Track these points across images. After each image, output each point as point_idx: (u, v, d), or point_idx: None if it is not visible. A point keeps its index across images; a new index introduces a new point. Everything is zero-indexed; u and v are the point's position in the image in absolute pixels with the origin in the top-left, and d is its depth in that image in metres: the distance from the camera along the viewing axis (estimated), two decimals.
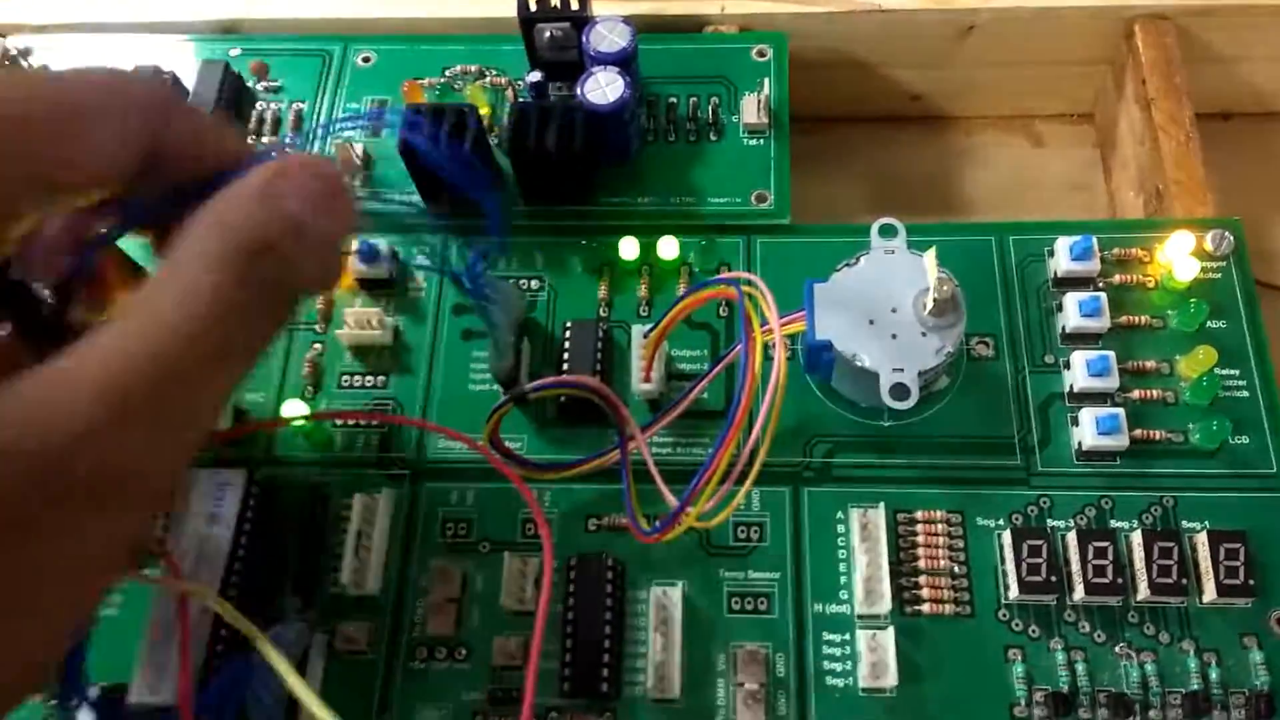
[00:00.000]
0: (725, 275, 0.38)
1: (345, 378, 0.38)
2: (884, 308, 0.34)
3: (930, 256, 0.33)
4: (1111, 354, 0.35)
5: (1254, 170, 0.49)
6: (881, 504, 0.34)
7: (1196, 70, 0.45)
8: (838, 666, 0.33)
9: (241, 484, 0.35)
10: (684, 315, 0.35)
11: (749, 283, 0.33)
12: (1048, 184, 0.49)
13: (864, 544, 0.34)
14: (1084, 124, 0.50)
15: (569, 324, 0.37)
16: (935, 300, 0.32)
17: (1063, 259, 0.37)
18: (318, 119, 0.43)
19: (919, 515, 0.34)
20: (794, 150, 0.42)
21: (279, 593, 0.34)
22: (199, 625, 0.32)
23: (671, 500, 0.31)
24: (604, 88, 0.38)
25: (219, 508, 0.35)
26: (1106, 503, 0.34)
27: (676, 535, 0.31)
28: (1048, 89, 0.49)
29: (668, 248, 0.38)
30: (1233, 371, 0.36)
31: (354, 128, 0.41)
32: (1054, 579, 0.32)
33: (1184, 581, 0.32)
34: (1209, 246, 0.37)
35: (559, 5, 0.40)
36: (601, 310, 0.39)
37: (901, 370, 0.33)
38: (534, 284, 0.39)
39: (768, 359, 0.37)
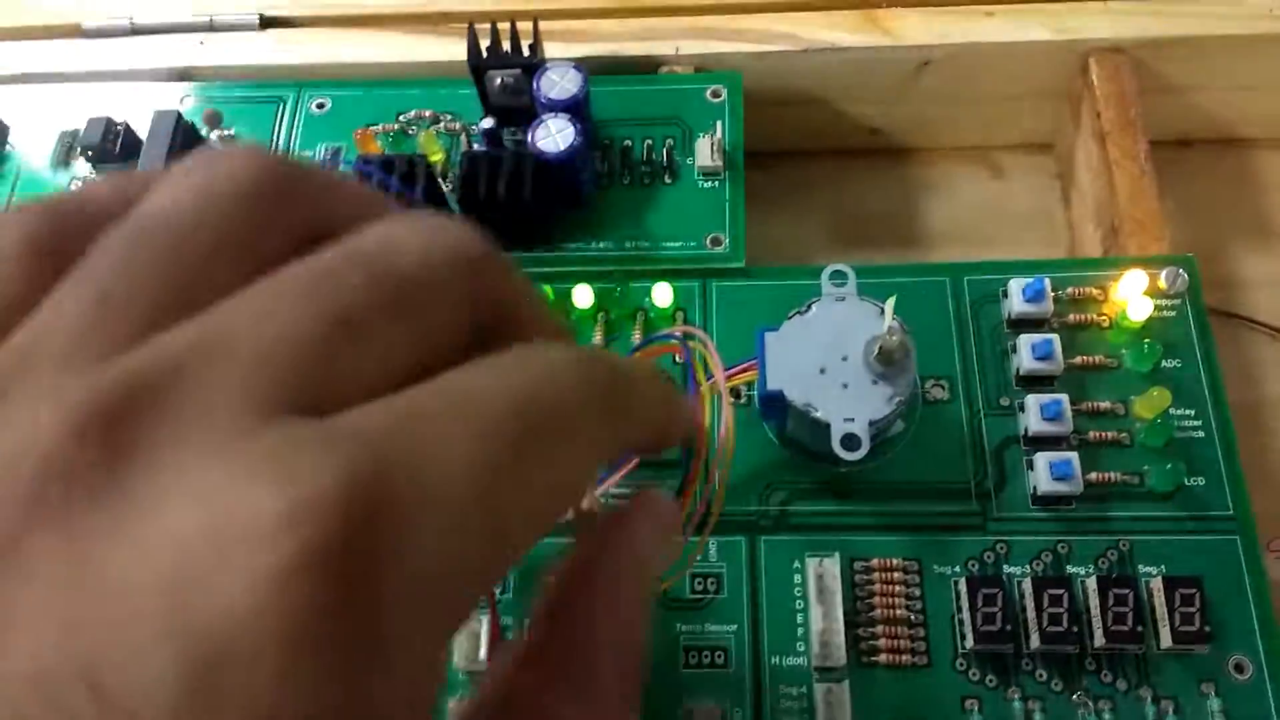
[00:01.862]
0: (670, 331, 0.37)
1: None
2: (835, 356, 0.33)
3: (889, 305, 0.32)
4: (1065, 397, 0.35)
5: (1215, 198, 0.49)
6: (837, 553, 0.34)
7: (1155, 100, 0.45)
8: None
9: None
10: None
11: (695, 338, 0.32)
12: (1009, 215, 0.49)
13: (819, 595, 0.33)
14: (1044, 154, 0.50)
15: None
16: (881, 348, 0.32)
17: (1016, 300, 0.37)
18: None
19: (875, 563, 0.34)
20: (753, 186, 0.42)
21: None
22: None
23: None
24: (555, 135, 0.38)
25: None
26: (1063, 548, 0.34)
27: None
28: (1007, 121, 0.49)
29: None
30: (1188, 412, 0.36)
31: None
32: (1009, 628, 0.32)
33: (1139, 628, 0.32)
34: (1163, 284, 0.37)
35: (510, 51, 0.40)
36: None
37: (852, 420, 0.32)
38: None
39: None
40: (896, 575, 0.34)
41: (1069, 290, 0.38)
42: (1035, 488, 0.35)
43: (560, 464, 0.14)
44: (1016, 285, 0.37)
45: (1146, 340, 0.36)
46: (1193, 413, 0.36)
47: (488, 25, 0.40)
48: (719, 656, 0.33)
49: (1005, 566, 0.34)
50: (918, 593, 0.34)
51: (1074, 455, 0.34)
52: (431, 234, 0.15)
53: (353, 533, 0.11)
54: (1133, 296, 0.37)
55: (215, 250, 0.14)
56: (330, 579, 0.11)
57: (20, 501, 0.11)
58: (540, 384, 0.14)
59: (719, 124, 0.42)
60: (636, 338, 0.38)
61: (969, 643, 0.33)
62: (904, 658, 0.33)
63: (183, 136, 0.42)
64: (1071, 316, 0.37)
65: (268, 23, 0.46)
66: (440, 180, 0.41)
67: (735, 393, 0.37)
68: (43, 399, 0.12)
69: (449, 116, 0.43)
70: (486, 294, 0.16)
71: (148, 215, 0.14)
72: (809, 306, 0.35)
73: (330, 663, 0.11)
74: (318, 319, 0.13)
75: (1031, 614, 0.33)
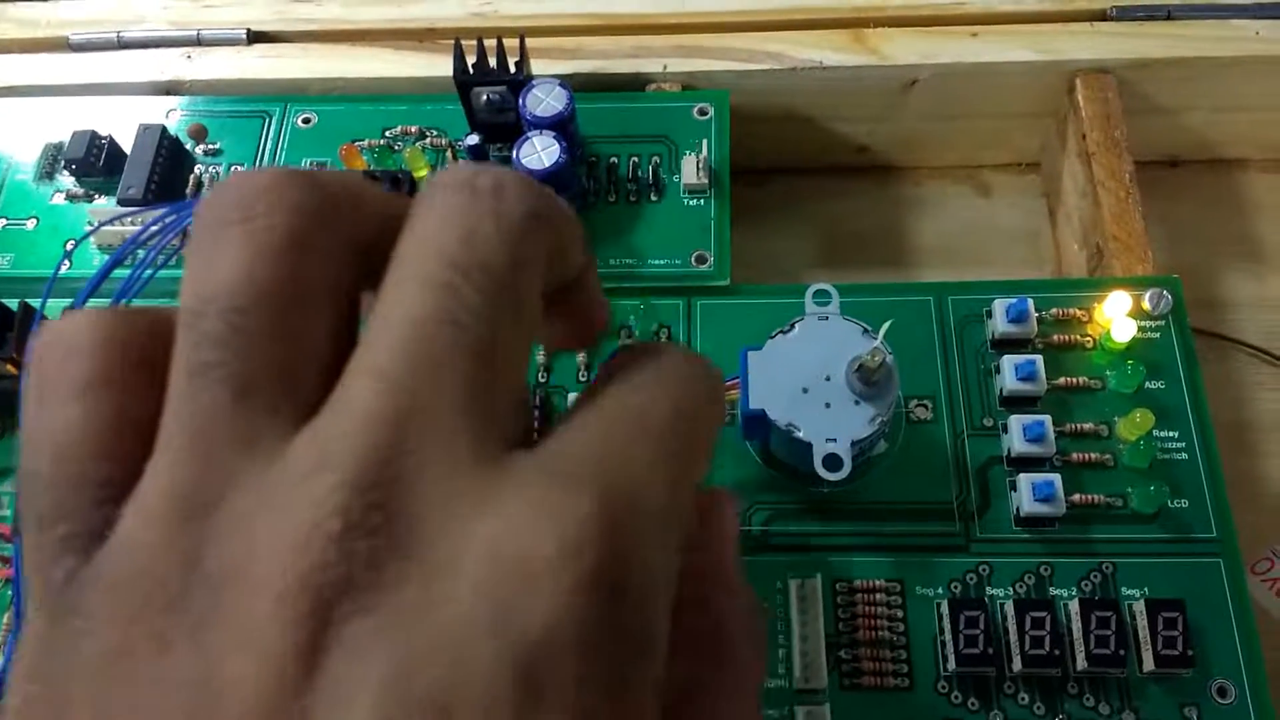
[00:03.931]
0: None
1: None
2: (818, 376, 0.33)
3: (884, 329, 0.32)
4: (1048, 418, 0.35)
5: (1202, 218, 0.49)
6: (819, 574, 0.34)
7: (1142, 120, 0.45)
8: None
9: None
10: None
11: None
12: (996, 234, 0.49)
13: (801, 616, 0.33)
14: (1032, 173, 0.50)
15: None
16: (861, 367, 0.32)
17: (1000, 320, 0.37)
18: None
19: (858, 584, 0.34)
20: (741, 202, 0.42)
21: None
22: None
23: None
24: (540, 152, 0.38)
25: None
26: (1046, 569, 0.34)
27: None
28: (994, 140, 0.49)
29: None
30: (1171, 433, 0.36)
31: None
32: (991, 650, 0.32)
33: (1122, 652, 0.32)
34: (1147, 305, 0.37)
35: (496, 68, 0.40)
36: (540, 375, 0.38)
37: (834, 440, 0.32)
38: None
39: None
40: (879, 596, 0.34)
41: (1053, 311, 0.38)
42: (1018, 509, 0.35)
43: (704, 454, 0.17)
44: (1000, 305, 0.37)
45: (1130, 361, 0.36)
46: (1176, 434, 0.36)
47: (474, 41, 0.40)
48: None
49: (988, 588, 0.34)
50: (900, 614, 0.34)
51: (1057, 477, 0.34)
52: (506, 205, 0.16)
53: (612, 553, 0.14)
54: (1116, 317, 0.37)
55: (284, 311, 0.15)
56: (606, 591, 0.13)
57: (318, 593, 0.13)
58: (685, 396, 0.17)
59: (705, 142, 0.42)
60: None
61: (951, 665, 0.32)
62: (886, 680, 0.33)
63: (168, 151, 0.42)
64: (1055, 337, 0.37)
65: (255, 37, 0.47)
66: None
67: None
68: (294, 506, 0.13)
69: (435, 132, 0.43)
70: (556, 253, 0.17)
71: (221, 285, 0.15)
72: (792, 326, 0.35)
73: (615, 652, 0.14)
74: (467, 355, 0.15)
75: (1014, 636, 0.32)
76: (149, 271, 0.35)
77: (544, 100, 0.39)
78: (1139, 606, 0.33)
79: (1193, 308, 0.38)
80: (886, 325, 0.33)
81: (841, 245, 0.49)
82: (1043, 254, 0.48)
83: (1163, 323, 0.38)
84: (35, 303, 0.37)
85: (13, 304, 0.37)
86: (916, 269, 0.48)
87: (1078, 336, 0.37)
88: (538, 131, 0.39)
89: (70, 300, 0.33)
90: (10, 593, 0.35)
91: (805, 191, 0.50)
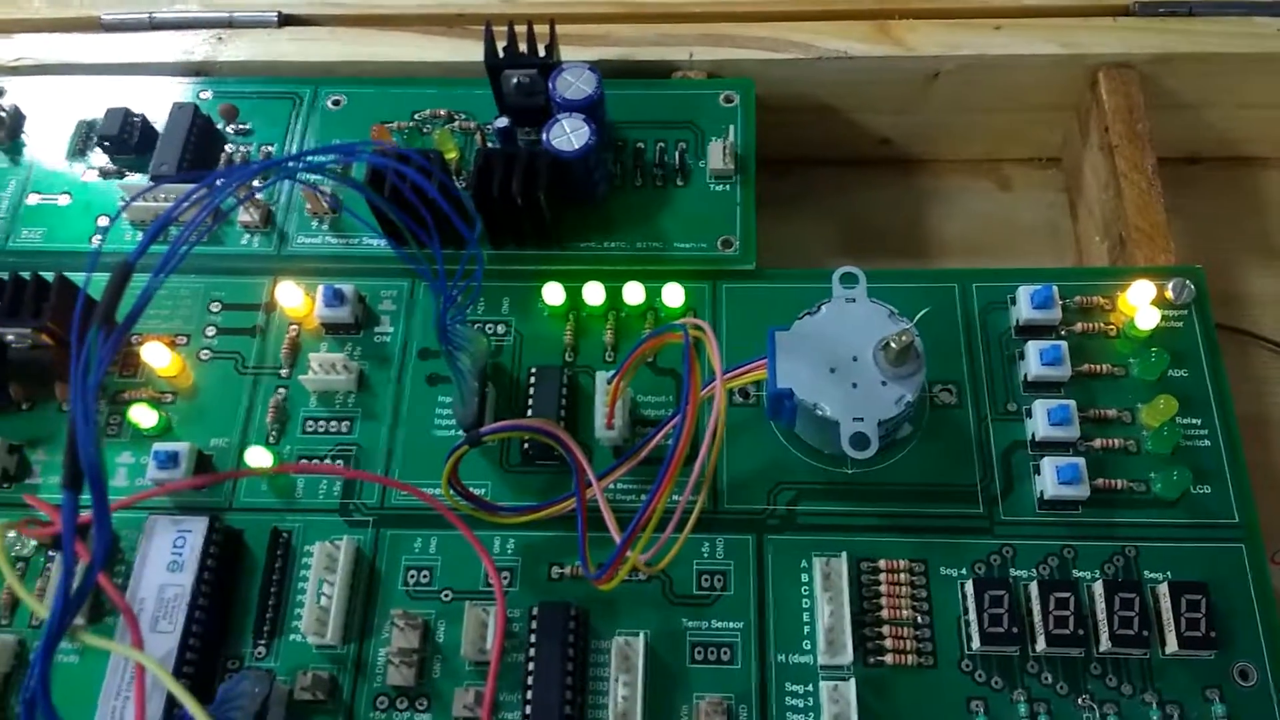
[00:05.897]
0: (679, 321, 0.38)
1: (309, 423, 0.38)
2: (845, 356, 0.34)
3: (920, 315, 0.33)
4: (1072, 403, 0.35)
5: (1222, 215, 0.49)
6: (844, 553, 0.34)
7: (1163, 116, 0.45)
8: (800, 718, 0.32)
9: (203, 530, 0.35)
10: (637, 363, 0.35)
11: (698, 328, 0.32)
12: (1016, 227, 0.49)
13: (826, 593, 0.33)
14: (1052, 168, 0.51)
15: (534, 369, 0.37)
16: (889, 347, 0.32)
17: (1024, 307, 0.37)
18: (288, 150, 0.43)
19: (882, 564, 0.34)
20: (765, 192, 0.42)
21: (240, 640, 0.34)
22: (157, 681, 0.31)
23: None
24: (569, 134, 0.38)
25: (180, 554, 0.34)
26: (1069, 552, 0.34)
27: (621, 578, 0.31)
28: (1016, 134, 0.49)
29: (633, 293, 0.39)
30: (1194, 420, 0.36)
31: (326, 163, 0.41)
32: (1015, 630, 0.32)
33: (1145, 633, 0.32)
34: (1170, 295, 0.38)
35: (526, 52, 0.40)
36: (567, 355, 0.39)
37: (861, 420, 0.33)
38: (500, 329, 0.39)
39: (733, 406, 0.37)
40: (903, 576, 0.34)
41: (1076, 299, 0.38)
42: (1042, 492, 0.35)
43: None
44: (1025, 292, 0.38)
45: (1154, 349, 0.37)
46: (1199, 421, 0.36)
47: (504, 26, 0.40)
48: (725, 653, 0.33)
49: (1012, 569, 0.34)
50: (924, 594, 0.34)
51: (1081, 460, 0.35)
52: None
53: None
54: (1140, 306, 0.37)
55: None
56: None
57: None
58: None
59: (731, 128, 0.42)
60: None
61: (975, 644, 0.33)
62: (910, 658, 0.33)
63: (200, 130, 0.43)
64: (1079, 325, 0.38)
65: (286, 20, 0.47)
66: (454, 177, 0.41)
67: (744, 392, 0.38)
68: None
69: (464, 116, 0.44)
70: None
71: None
72: (819, 307, 0.35)
73: None
74: None
75: (1038, 617, 0.33)
76: (184, 248, 0.35)
77: (573, 84, 0.39)
78: (1162, 589, 0.33)
79: (1211, 303, 0.38)
80: (924, 312, 0.33)
81: (862, 237, 0.49)
82: (1063, 248, 0.49)
83: (1185, 312, 0.38)
84: (72, 276, 0.38)
85: (48, 277, 0.37)
86: (936, 261, 0.48)
87: (1101, 324, 0.38)
88: (567, 114, 0.39)
89: (108, 275, 0.34)
90: (43, 559, 0.35)
91: (827, 183, 0.51)
